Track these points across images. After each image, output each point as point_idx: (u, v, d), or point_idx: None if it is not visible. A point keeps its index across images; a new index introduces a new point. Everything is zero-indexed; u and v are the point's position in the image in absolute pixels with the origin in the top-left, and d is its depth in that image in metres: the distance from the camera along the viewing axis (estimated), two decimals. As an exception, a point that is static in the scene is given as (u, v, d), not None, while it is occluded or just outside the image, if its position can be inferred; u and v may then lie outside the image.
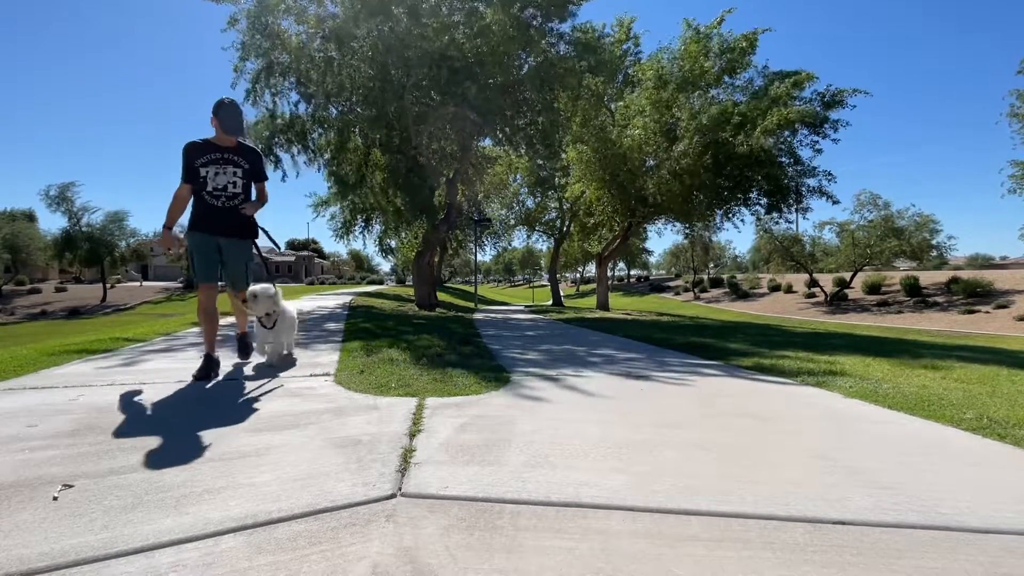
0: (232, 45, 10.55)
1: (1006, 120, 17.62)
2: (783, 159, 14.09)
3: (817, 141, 13.97)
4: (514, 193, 24.58)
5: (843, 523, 1.37)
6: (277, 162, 12.17)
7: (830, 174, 14.36)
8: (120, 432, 2.15)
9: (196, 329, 6.96)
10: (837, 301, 27.19)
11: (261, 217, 3.70)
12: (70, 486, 1.56)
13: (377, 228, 18.22)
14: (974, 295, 22.95)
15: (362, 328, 6.71)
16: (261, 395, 2.89)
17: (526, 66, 11.69)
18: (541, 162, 17.46)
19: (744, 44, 13.79)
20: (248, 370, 3.69)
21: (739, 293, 35.00)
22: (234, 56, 10.62)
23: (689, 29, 14.28)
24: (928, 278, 26.32)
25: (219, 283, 3.55)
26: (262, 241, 3.70)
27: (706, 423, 2.41)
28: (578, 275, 60.08)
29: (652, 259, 58.65)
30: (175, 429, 2.20)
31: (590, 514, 1.42)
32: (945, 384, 3.31)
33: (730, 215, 15.80)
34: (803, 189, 14.43)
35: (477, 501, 1.49)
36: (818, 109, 13.48)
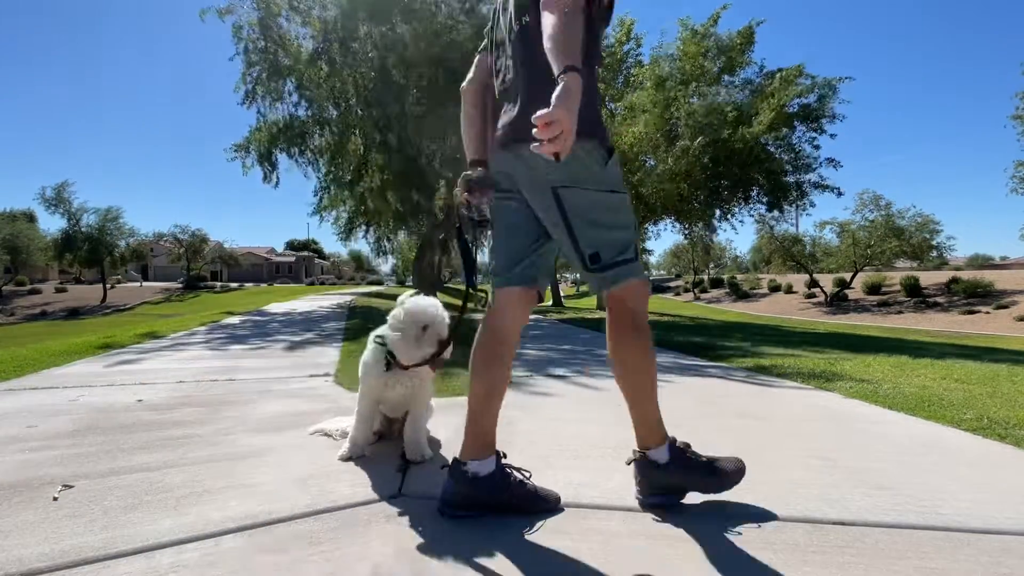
0: (237, 53, 10.65)
1: (1011, 123, 17.58)
2: (782, 155, 14.10)
3: (815, 137, 14.00)
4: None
5: (843, 523, 1.37)
6: (274, 168, 12.18)
7: (833, 160, 14.33)
8: (120, 432, 2.15)
9: (202, 328, 6.89)
10: (837, 301, 27.19)
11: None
12: (70, 486, 1.56)
13: (380, 230, 18.18)
14: (974, 295, 22.96)
15: (363, 328, 6.71)
16: (262, 396, 2.89)
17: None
18: None
19: (740, 41, 13.82)
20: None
21: (739, 293, 35.00)
22: (235, 55, 10.69)
23: (685, 30, 14.29)
24: (928, 278, 26.31)
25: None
26: None
27: (706, 423, 2.40)
28: (578, 275, 60.03)
29: (652, 259, 58.56)
30: (175, 429, 2.20)
31: (590, 514, 1.42)
32: (945, 384, 3.31)
33: (729, 215, 15.78)
34: (804, 185, 14.44)
35: (477, 501, 1.49)
36: (812, 101, 13.51)
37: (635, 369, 1.42)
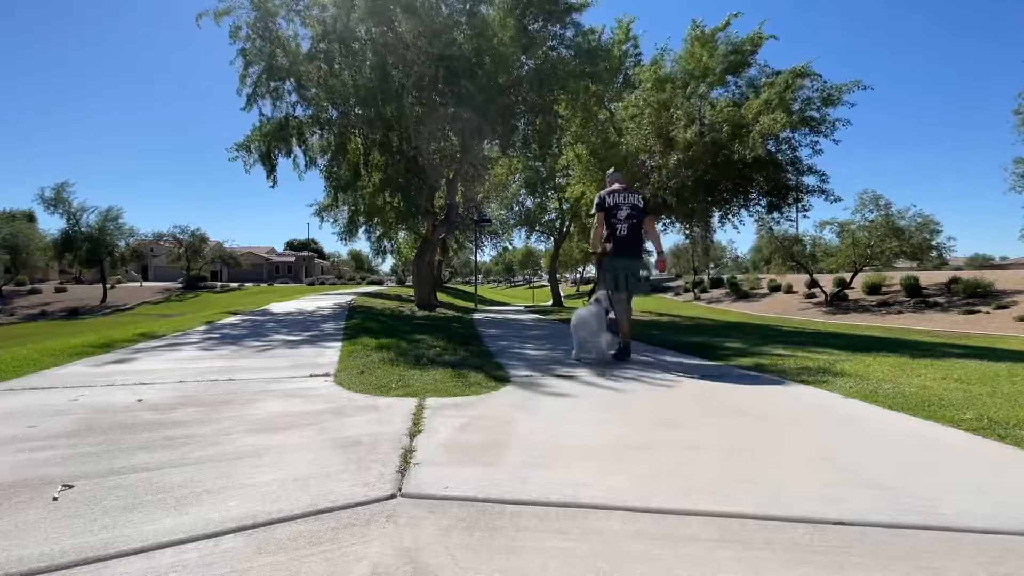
0: (237, 54, 10.65)
1: (1014, 119, 17.46)
2: (783, 158, 14.06)
3: (817, 141, 13.91)
4: (513, 194, 24.56)
5: (843, 523, 1.37)
6: (274, 167, 12.14)
7: (824, 174, 14.30)
8: (120, 432, 2.15)
9: (202, 328, 6.94)
10: (837, 301, 27.18)
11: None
12: (70, 486, 1.56)
13: (379, 229, 18.15)
14: (974, 295, 22.94)
15: (362, 328, 6.71)
16: (261, 396, 2.89)
17: (526, 67, 11.70)
18: (540, 163, 17.43)
19: (748, 48, 13.79)
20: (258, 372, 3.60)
21: (740, 293, 34.98)
22: (234, 58, 10.69)
23: (695, 29, 14.23)
24: (928, 278, 26.30)
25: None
26: None
27: (706, 423, 2.40)
28: (578, 275, 60.05)
29: (652, 259, 58.48)
30: (175, 429, 2.20)
31: (590, 514, 1.42)
32: (945, 384, 3.31)
33: (729, 215, 15.75)
34: (803, 188, 14.39)
35: (477, 502, 1.49)
36: (817, 105, 13.42)
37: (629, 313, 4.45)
